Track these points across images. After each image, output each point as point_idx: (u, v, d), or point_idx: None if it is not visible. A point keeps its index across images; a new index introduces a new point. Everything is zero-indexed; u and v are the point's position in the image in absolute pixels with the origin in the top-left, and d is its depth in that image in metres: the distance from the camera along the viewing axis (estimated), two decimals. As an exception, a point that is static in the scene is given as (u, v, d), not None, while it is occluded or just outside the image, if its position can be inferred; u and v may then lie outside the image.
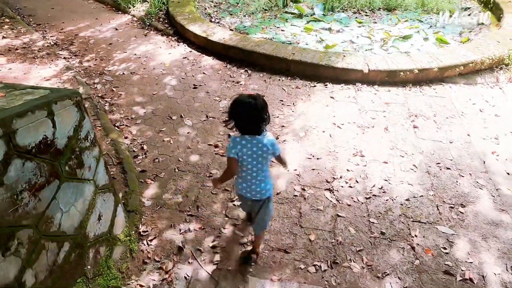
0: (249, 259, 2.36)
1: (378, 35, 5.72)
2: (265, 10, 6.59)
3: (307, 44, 5.42)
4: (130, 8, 6.55)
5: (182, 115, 3.81)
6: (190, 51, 5.15)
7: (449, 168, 3.17)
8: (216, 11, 6.63)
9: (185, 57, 4.99)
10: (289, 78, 4.51)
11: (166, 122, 3.72)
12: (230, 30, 5.78)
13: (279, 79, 4.48)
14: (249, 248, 2.45)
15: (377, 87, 4.31)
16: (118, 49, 5.22)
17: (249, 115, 1.87)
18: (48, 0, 7.21)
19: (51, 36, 5.60)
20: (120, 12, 6.63)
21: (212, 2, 6.97)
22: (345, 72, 4.38)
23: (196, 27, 5.32)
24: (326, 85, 4.36)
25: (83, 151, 1.63)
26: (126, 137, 3.48)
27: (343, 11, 6.59)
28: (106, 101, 4.02)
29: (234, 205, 2.80)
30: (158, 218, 2.69)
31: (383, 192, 2.93)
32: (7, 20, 6.04)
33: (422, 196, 2.90)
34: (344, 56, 4.57)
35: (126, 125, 3.64)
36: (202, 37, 5.12)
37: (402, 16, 6.49)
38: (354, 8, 6.67)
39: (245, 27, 5.97)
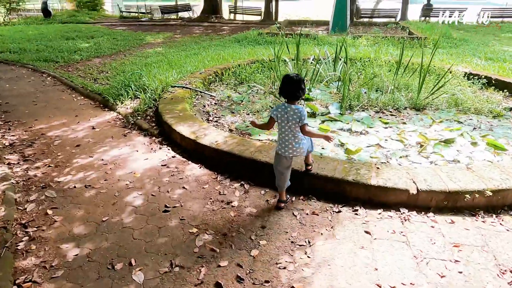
0: (307, 171, 3.20)
1: (411, 138, 4.56)
2: (272, 108, 5.67)
3: (323, 148, 4.26)
4: (118, 105, 5.76)
5: (133, 262, 2.41)
6: (173, 157, 4.00)
7: None
8: (217, 109, 5.76)
9: (165, 165, 3.82)
10: (301, 198, 3.18)
11: (102, 276, 2.29)
12: (230, 130, 4.76)
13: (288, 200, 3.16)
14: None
15: (432, 215, 2.91)
16: (84, 153, 4.13)
17: (288, 85, 2.75)
18: (36, 96, 6.59)
19: (11, 136, 4.64)
20: (106, 109, 5.82)
21: (213, 99, 6.18)
22: (383, 192, 3.04)
23: (184, 127, 4.29)
24: (356, 210, 2.99)
25: None
26: (21, 310, 2.04)
27: (363, 110, 5.62)
28: (26, 232, 2.69)
29: None
30: None
31: None
32: (-27, 117, 5.23)
33: None
34: (378, 168, 3.30)
35: (35, 282, 2.22)
36: (190, 139, 4.03)
37: (435, 116, 5.44)
38: (375, 107, 5.70)
39: (247, 127, 4.96)
